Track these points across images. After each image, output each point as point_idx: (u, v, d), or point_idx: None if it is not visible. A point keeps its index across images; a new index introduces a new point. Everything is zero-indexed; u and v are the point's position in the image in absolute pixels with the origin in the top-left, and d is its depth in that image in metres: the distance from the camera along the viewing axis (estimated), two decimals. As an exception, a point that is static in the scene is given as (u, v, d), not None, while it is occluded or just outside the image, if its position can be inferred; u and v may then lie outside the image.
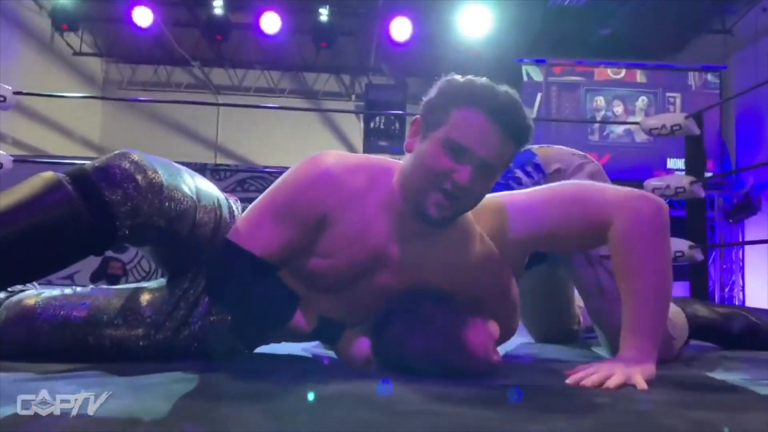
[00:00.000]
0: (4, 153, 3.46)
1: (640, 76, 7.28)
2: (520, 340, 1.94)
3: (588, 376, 1.15)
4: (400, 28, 6.93)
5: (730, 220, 6.94)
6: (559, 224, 1.30)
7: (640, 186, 3.60)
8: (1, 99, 3.43)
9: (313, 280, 1.27)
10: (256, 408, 0.90)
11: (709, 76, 7.15)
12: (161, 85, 8.53)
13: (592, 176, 1.64)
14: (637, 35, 6.89)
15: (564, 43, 7.09)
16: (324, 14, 7.04)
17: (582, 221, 1.29)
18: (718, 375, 1.31)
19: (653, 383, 1.14)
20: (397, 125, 7.92)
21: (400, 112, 7.64)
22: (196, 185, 1.28)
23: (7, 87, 3.47)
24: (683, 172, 4.31)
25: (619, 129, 7.20)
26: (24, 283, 1.26)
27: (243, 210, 1.37)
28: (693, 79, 7.19)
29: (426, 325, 1.20)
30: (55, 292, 1.28)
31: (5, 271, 1.13)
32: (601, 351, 1.69)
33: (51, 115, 7.01)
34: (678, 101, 7.14)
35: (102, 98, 8.27)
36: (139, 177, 1.17)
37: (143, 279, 5.90)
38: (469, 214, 1.30)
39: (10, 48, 6.49)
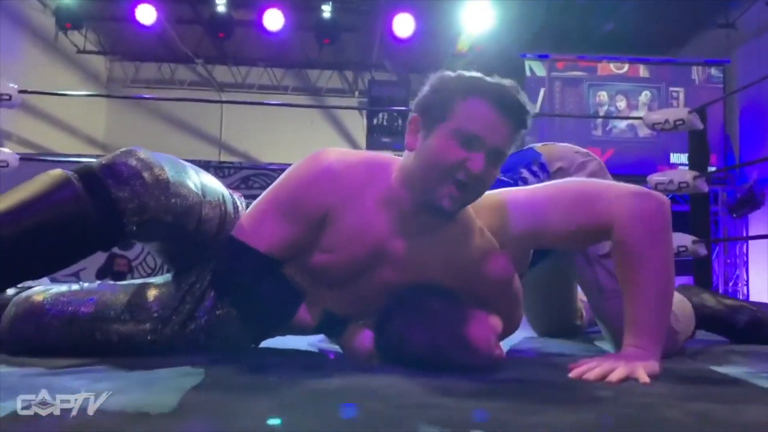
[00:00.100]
0: (11, 152, 3.48)
1: (643, 71, 7.26)
2: (523, 335, 1.95)
3: (591, 370, 1.16)
4: (403, 24, 6.93)
5: (734, 215, 6.93)
6: (560, 222, 1.30)
7: (644, 181, 3.61)
8: (6, 97, 3.45)
9: (316, 275, 1.28)
10: (264, 401, 0.91)
11: (713, 71, 7.14)
12: (165, 82, 8.56)
13: (593, 174, 1.64)
14: (640, 30, 6.88)
15: (567, 38, 7.08)
16: (327, 11, 7.05)
17: (584, 219, 1.30)
18: (722, 368, 1.32)
19: (656, 378, 1.15)
20: (400, 121, 7.94)
21: (403, 108, 7.64)
22: (201, 181, 1.30)
23: (12, 85, 3.49)
24: (686, 167, 4.30)
25: (622, 124, 7.19)
26: (33, 278, 1.28)
27: (247, 206, 1.38)
28: (696, 73, 7.18)
29: (428, 321, 1.21)
30: (63, 288, 1.30)
31: (16, 267, 1.15)
32: (605, 345, 1.70)
33: (55, 113, 7.04)
34: (681, 96, 7.13)
35: (106, 96, 8.31)
36: (145, 174, 1.19)
37: (149, 276, 5.92)
38: (470, 210, 1.31)
39: (14, 46, 6.51)
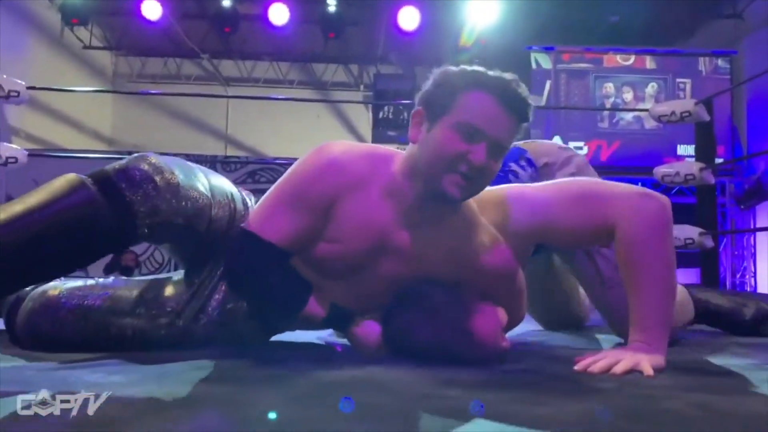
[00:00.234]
0: (19, 148, 3.51)
1: (649, 62, 7.23)
2: (528, 328, 1.96)
3: (595, 362, 1.17)
4: (408, 17, 6.92)
5: (742, 206, 6.91)
6: (562, 221, 1.33)
7: (650, 173, 3.61)
8: (15, 94, 3.48)
9: (321, 266, 1.30)
10: (275, 392, 0.93)
11: (720, 62, 7.10)
12: (171, 77, 8.57)
13: (579, 168, 1.69)
14: (646, 21, 6.84)
15: (573, 29, 7.05)
16: (331, 4, 7.05)
17: (585, 219, 1.32)
18: (724, 360, 1.33)
19: (661, 371, 1.16)
20: (405, 115, 7.92)
21: (409, 101, 7.64)
22: (210, 183, 1.33)
23: (20, 82, 3.52)
24: (693, 159, 4.30)
25: (629, 116, 7.17)
26: (49, 279, 1.31)
27: (256, 201, 1.41)
28: (703, 64, 7.14)
29: (434, 314, 1.23)
30: (78, 283, 1.33)
31: (33, 267, 1.19)
32: (608, 337, 1.72)
33: (62, 108, 7.07)
34: (688, 87, 7.09)
35: (113, 92, 8.33)
36: (157, 178, 1.23)
37: (156, 270, 5.97)
38: (473, 204, 1.33)
39: (21, 42, 6.54)
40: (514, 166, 1.67)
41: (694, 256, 4.58)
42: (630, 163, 6.90)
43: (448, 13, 6.92)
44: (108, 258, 5.38)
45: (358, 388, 0.98)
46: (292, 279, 1.29)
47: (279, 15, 7.04)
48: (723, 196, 6.96)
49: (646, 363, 1.15)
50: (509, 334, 1.38)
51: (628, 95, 7.22)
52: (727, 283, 6.91)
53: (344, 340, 1.43)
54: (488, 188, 1.32)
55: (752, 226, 6.74)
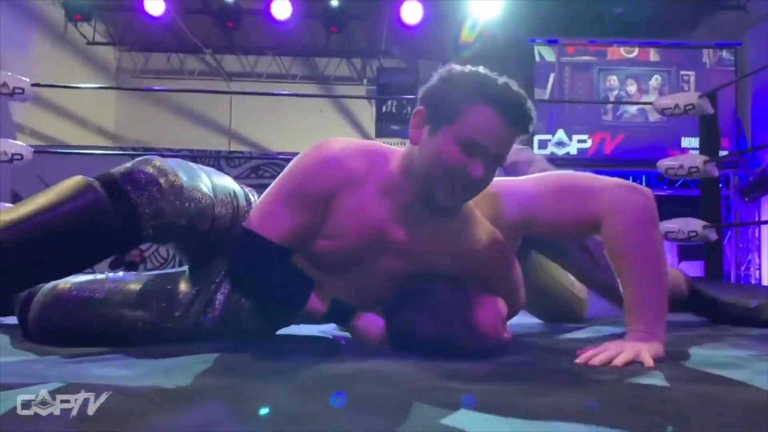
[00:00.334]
0: (24, 144, 3.53)
1: (653, 55, 7.22)
2: (527, 320, 1.98)
3: (596, 355, 1.18)
4: (411, 11, 6.92)
5: (746, 199, 6.90)
6: (549, 212, 1.36)
7: (654, 166, 3.60)
8: (20, 91, 3.49)
9: (319, 262, 1.31)
10: (279, 384, 0.95)
11: (724, 53, 7.08)
12: (174, 72, 8.59)
13: (546, 166, 1.78)
14: (650, 13, 6.82)
15: (576, 22, 7.03)
16: (334, -1, 7.05)
17: (572, 213, 1.35)
18: (723, 351, 1.34)
19: (661, 360, 1.17)
20: (409, 109, 7.92)
21: (412, 96, 7.63)
22: (212, 182, 1.36)
23: (24, 79, 3.53)
24: (697, 152, 4.29)
25: (633, 108, 7.16)
26: (57, 278, 1.33)
27: (259, 197, 1.42)
28: (707, 56, 7.12)
29: (437, 309, 1.24)
30: (89, 277, 1.36)
31: (43, 265, 1.21)
32: (609, 329, 1.73)
33: (66, 105, 7.09)
34: (692, 79, 7.08)
35: (118, 88, 8.35)
36: (161, 180, 1.26)
37: (161, 265, 6.00)
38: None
39: (25, 39, 6.56)
40: None
41: (698, 249, 4.58)
42: (634, 155, 6.90)
43: (451, 6, 6.91)
44: (113, 253, 5.41)
45: (361, 380, 0.99)
46: (293, 276, 1.31)
47: (281, 10, 7.05)
48: (727, 188, 6.96)
49: (646, 353, 1.17)
50: (510, 327, 1.39)
51: (632, 88, 7.21)
52: (732, 276, 6.90)
53: (347, 334, 1.44)
54: None
55: (757, 219, 6.73)
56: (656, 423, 0.78)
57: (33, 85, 3.56)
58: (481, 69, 1.26)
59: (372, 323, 1.31)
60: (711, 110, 3.69)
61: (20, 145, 3.54)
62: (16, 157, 3.47)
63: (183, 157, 6.99)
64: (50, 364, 1.10)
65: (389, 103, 8.12)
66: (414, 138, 1.28)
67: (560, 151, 7.10)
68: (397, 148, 1.35)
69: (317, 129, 7.05)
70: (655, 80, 7.17)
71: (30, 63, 6.35)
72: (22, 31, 6.51)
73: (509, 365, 1.17)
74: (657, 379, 1.03)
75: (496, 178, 1.41)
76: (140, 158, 1.30)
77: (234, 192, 1.40)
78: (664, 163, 3.71)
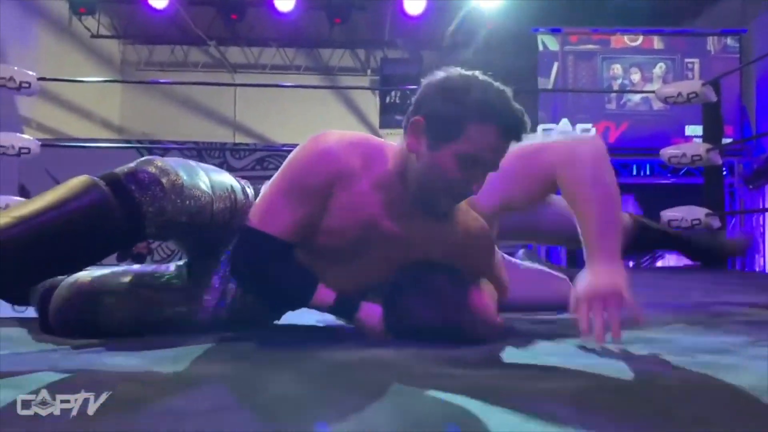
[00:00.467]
0: (31, 138, 3.57)
1: (657, 43, 7.18)
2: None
3: (592, 327, 1.22)
4: (414, 2, 6.90)
5: (750, 186, 6.88)
6: (513, 188, 1.46)
7: (657, 154, 3.62)
8: (26, 85, 3.53)
9: (316, 253, 1.34)
10: (284, 372, 0.98)
11: (729, 41, 7.04)
12: (178, 64, 8.61)
13: None
14: (653, 1, 6.79)
15: (579, 10, 7.00)
16: (337, -11, 7.04)
17: (532, 178, 1.47)
18: (718, 337, 1.36)
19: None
20: (412, 100, 7.92)
21: (416, 86, 7.61)
22: (210, 180, 1.39)
23: (31, 73, 3.57)
24: (701, 140, 4.29)
25: (637, 97, 7.13)
26: (63, 273, 1.37)
27: (255, 191, 1.45)
28: (712, 43, 7.09)
29: (434, 295, 1.28)
30: (105, 271, 1.40)
31: (49, 263, 1.25)
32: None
33: (72, 98, 7.13)
34: (696, 67, 7.05)
35: (122, 81, 8.38)
36: (163, 180, 1.30)
37: (168, 257, 6.06)
38: None
39: (29, 33, 6.59)
40: None
41: (701, 237, 4.57)
42: (638, 144, 6.88)
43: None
44: (120, 246, 5.45)
45: (365, 367, 1.02)
46: (297, 271, 1.33)
47: (285, 1, 7.05)
48: (732, 176, 6.94)
49: (626, 293, 1.23)
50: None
51: (636, 76, 7.19)
52: (736, 263, 6.90)
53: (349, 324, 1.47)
54: None
55: (761, 206, 6.72)
56: (647, 407, 0.81)
57: (39, 79, 3.60)
58: (480, 76, 1.28)
59: (372, 313, 1.33)
60: (714, 98, 3.69)
61: (27, 138, 3.58)
62: (23, 150, 3.52)
63: (189, 149, 7.02)
64: (64, 353, 1.14)
65: (393, 93, 8.12)
66: (412, 147, 1.29)
67: (564, 141, 7.08)
68: (391, 143, 1.37)
69: (321, 120, 7.06)
70: (659, 68, 7.15)
71: (34, 57, 6.39)
72: (27, 25, 6.53)
73: (505, 350, 1.20)
74: (653, 364, 1.06)
75: None
76: (143, 159, 1.35)
77: (231, 187, 1.44)
78: (667, 152, 3.71)
